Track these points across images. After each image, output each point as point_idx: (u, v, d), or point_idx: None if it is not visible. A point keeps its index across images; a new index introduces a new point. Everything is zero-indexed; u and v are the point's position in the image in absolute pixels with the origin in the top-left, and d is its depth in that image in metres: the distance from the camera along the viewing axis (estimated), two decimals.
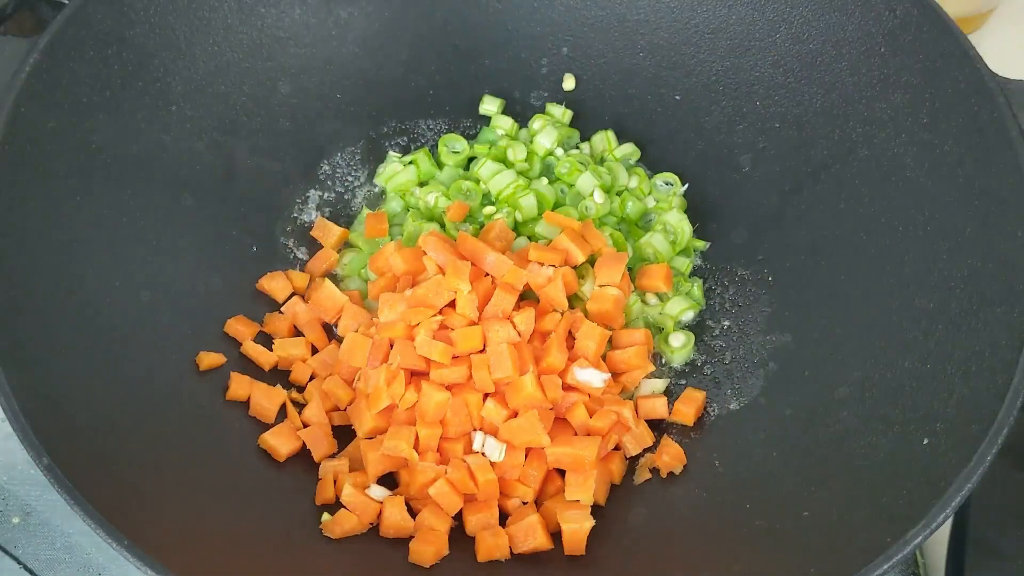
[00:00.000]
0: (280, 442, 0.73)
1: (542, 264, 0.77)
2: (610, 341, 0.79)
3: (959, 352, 0.66)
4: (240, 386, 0.75)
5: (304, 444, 0.74)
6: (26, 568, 0.78)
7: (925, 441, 0.63)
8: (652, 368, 0.79)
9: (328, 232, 0.87)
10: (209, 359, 0.76)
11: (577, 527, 0.68)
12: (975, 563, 0.73)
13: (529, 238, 0.84)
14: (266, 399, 0.75)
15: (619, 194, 0.89)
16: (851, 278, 0.79)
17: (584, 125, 0.95)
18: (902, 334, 0.71)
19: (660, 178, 0.91)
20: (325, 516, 0.69)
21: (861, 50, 0.80)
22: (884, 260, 0.77)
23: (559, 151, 0.90)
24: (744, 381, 0.80)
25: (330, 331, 0.83)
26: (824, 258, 0.81)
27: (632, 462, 0.76)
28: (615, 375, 0.77)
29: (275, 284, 0.83)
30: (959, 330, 0.67)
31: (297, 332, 0.82)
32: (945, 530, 0.75)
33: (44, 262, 0.67)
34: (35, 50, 0.70)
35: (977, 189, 0.70)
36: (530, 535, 0.68)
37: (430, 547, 0.67)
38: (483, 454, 0.71)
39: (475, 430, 0.72)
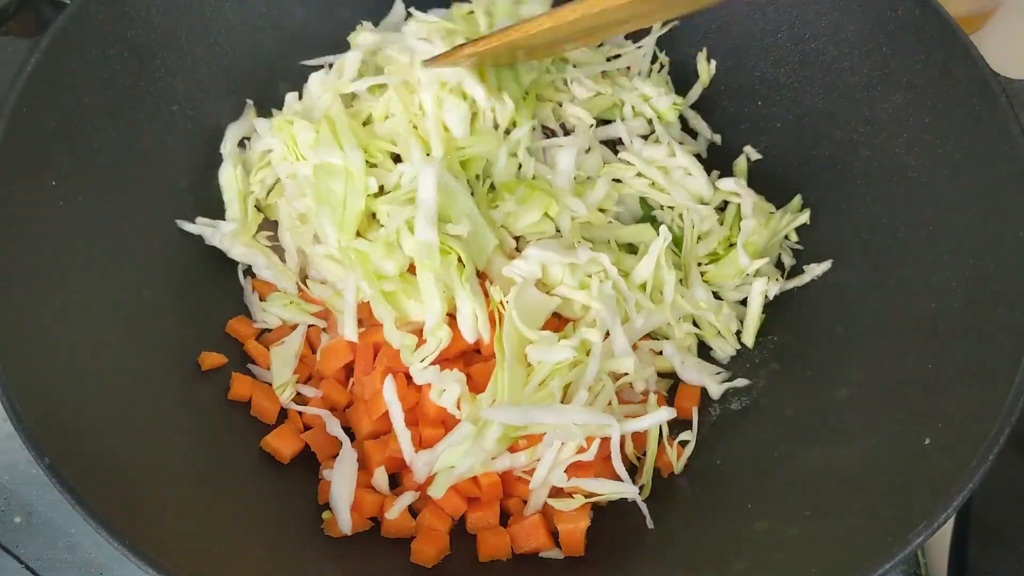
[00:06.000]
0: (283, 444, 0.73)
1: None
2: None
3: (961, 352, 0.66)
4: (242, 386, 0.75)
5: (306, 443, 0.74)
6: (28, 568, 0.78)
7: (927, 441, 0.63)
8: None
9: None
10: (211, 359, 0.76)
11: (572, 527, 0.68)
12: (979, 551, 0.73)
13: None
14: (267, 400, 0.75)
15: None
16: (852, 278, 0.79)
17: None
18: (904, 334, 0.71)
19: None
20: (326, 514, 0.69)
21: (863, 50, 0.80)
22: (885, 261, 0.76)
23: None
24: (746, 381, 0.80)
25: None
26: (825, 258, 0.81)
27: None
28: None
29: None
30: (961, 330, 0.67)
31: None
32: (947, 530, 0.75)
33: (45, 261, 0.67)
34: (37, 51, 0.70)
35: (979, 189, 0.70)
36: (532, 535, 0.68)
37: (432, 547, 0.67)
38: None
39: None
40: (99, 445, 0.62)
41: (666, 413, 0.71)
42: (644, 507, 0.69)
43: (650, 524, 0.69)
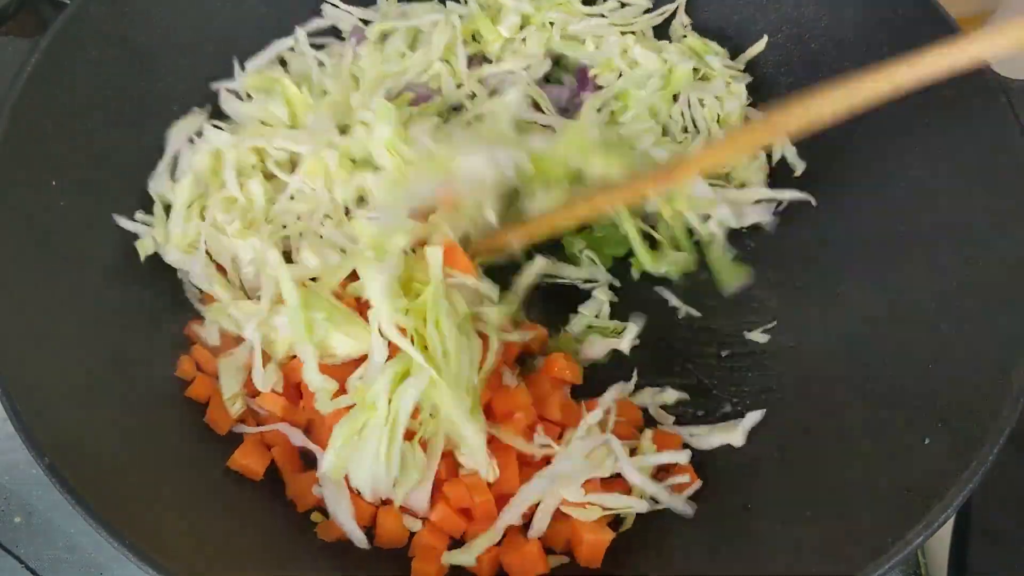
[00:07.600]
0: (252, 460, 0.69)
1: None
2: None
3: (961, 352, 0.66)
4: (203, 387, 0.72)
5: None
6: (28, 567, 0.78)
7: (926, 441, 0.63)
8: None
9: None
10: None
11: (596, 538, 0.67)
12: (979, 551, 0.73)
13: None
14: (220, 409, 0.71)
15: None
16: (853, 279, 0.79)
17: None
18: (904, 335, 0.71)
19: None
20: (316, 517, 0.68)
21: (863, 50, 0.80)
22: (886, 261, 0.76)
23: None
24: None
25: None
26: (826, 258, 0.81)
27: None
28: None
29: None
30: (961, 330, 0.67)
31: None
32: (947, 529, 0.75)
33: (44, 261, 0.67)
34: (36, 50, 0.70)
35: (979, 189, 0.70)
36: (530, 567, 0.66)
37: (431, 566, 0.66)
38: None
39: None
40: (99, 445, 0.62)
41: (685, 456, 0.71)
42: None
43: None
